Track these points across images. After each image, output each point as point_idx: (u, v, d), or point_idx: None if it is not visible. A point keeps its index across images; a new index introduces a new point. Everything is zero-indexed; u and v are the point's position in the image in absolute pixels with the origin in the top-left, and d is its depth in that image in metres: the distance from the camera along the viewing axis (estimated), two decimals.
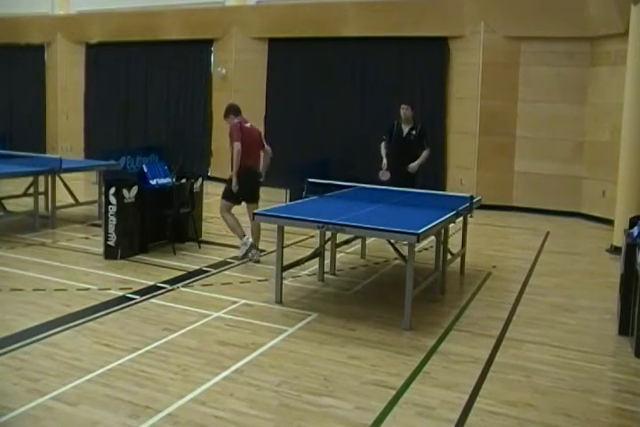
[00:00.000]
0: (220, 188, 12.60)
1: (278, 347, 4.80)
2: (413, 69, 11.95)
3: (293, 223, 5.66)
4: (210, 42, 13.99)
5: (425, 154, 8.29)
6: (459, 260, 7.01)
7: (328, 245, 6.78)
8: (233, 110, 7.68)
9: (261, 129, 13.43)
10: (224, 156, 13.78)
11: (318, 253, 6.55)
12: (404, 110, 8.26)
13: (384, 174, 8.19)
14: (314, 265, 6.74)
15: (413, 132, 8.25)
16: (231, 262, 7.22)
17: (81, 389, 4.01)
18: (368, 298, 6.14)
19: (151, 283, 6.31)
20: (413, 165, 8.20)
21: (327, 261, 6.78)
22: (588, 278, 7.11)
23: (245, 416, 3.74)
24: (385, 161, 8.30)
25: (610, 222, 8.80)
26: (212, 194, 11.29)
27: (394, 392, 4.10)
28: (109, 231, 7.16)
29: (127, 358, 4.49)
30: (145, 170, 7.68)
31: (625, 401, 4.12)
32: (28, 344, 4.69)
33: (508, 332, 5.29)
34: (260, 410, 3.81)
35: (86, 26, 15.34)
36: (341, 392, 4.08)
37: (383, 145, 8.44)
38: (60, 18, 15.81)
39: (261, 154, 7.47)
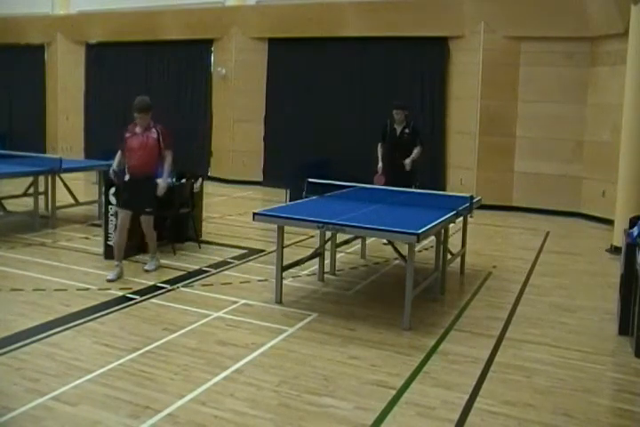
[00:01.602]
0: (221, 188, 12.79)
1: (278, 347, 4.80)
2: (413, 69, 11.95)
3: (293, 223, 5.66)
4: (210, 42, 14.00)
5: (417, 150, 8.26)
6: (459, 260, 7.01)
7: (328, 245, 6.78)
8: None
9: (261, 129, 13.62)
10: (224, 156, 13.88)
11: (318, 253, 6.55)
12: (398, 115, 8.26)
13: (379, 179, 8.16)
14: (314, 265, 6.74)
15: (406, 131, 8.29)
16: (231, 262, 7.22)
17: (81, 389, 4.01)
18: (368, 298, 6.14)
19: (151, 283, 6.31)
20: (407, 162, 8.17)
21: (327, 261, 6.78)
22: (588, 278, 7.11)
23: (245, 416, 3.74)
24: (380, 164, 8.30)
25: (610, 222, 8.80)
26: (212, 194, 11.32)
27: (394, 392, 4.10)
28: (109, 231, 7.16)
29: (127, 358, 4.49)
30: None
31: (625, 401, 4.12)
32: (28, 344, 4.69)
33: (508, 332, 5.29)
34: (260, 410, 3.82)
35: (86, 26, 15.34)
36: (341, 392, 4.08)
37: (379, 146, 8.46)
38: (60, 18, 15.81)
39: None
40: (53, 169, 8.70)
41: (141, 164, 6.45)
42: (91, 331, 5.02)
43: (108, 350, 4.64)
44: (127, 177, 6.46)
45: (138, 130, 6.50)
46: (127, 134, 6.53)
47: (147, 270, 6.70)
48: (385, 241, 7.80)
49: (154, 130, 6.52)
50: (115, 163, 6.68)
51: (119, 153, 6.65)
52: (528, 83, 10.94)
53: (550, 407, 3.97)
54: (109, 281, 6.27)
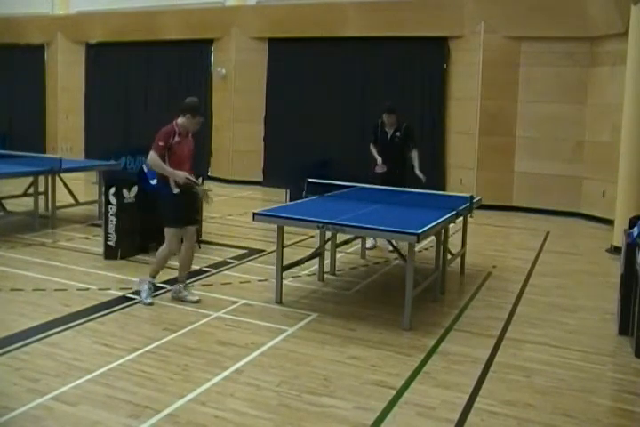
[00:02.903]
0: (221, 188, 12.78)
1: (278, 347, 4.80)
2: (413, 69, 11.96)
3: (293, 223, 5.65)
4: (210, 42, 14.00)
5: (415, 155, 7.87)
6: (459, 260, 7.01)
7: (328, 245, 6.78)
8: None
9: (261, 129, 13.61)
10: (224, 156, 13.89)
11: (318, 253, 6.55)
12: (389, 119, 7.83)
13: (381, 167, 7.86)
14: (314, 265, 6.73)
15: (398, 134, 7.87)
16: (231, 262, 7.22)
17: (81, 389, 4.01)
18: (368, 298, 6.14)
19: None
20: (419, 173, 7.73)
21: (327, 261, 6.78)
22: (588, 278, 7.11)
23: (245, 416, 3.74)
24: (379, 158, 7.88)
25: (610, 222, 8.80)
26: (212, 194, 11.28)
27: (394, 392, 4.10)
28: (109, 231, 7.16)
29: (127, 358, 4.49)
30: (145, 170, 7.67)
31: (625, 401, 4.12)
32: (28, 344, 4.69)
33: (508, 332, 5.29)
34: (260, 410, 3.81)
35: (86, 26, 15.35)
36: (341, 392, 4.08)
37: (372, 146, 8.06)
38: (60, 18, 15.81)
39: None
40: (53, 169, 8.70)
41: (190, 172, 5.73)
42: (91, 331, 5.01)
43: (107, 350, 4.64)
44: (177, 190, 5.57)
45: (184, 134, 5.69)
46: (177, 138, 5.59)
47: (193, 301, 5.71)
48: (383, 242, 7.77)
49: (190, 134, 5.84)
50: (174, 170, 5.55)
51: (158, 157, 5.51)
52: (528, 83, 10.94)
53: (550, 407, 3.97)
54: (196, 302, 5.67)
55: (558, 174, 10.80)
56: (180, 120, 5.68)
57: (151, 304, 5.65)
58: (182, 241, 5.80)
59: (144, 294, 5.71)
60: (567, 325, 5.52)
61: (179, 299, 5.77)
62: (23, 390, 3.97)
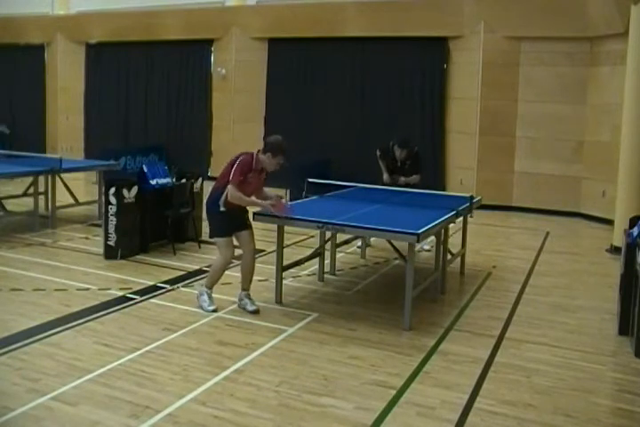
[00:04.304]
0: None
1: (278, 347, 4.80)
2: (413, 69, 11.96)
3: (293, 223, 5.65)
4: (210, 42, 14.00)
5: (414, 177, 7.81)
6: (459, 260, 7.01)
7: (328, 245, 6.78)
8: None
9: (262, 129, 13.59)
10: (224, 156, 13.85)
11: (318, 253, 6.55)
12: (399, 153, 7.75)
13: (389, 179, 7.88)
14: (314, 265, 6.73)
15: (408, 162, 7.84)
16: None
17: (81, 389, 4.01)
18: (368, 298, 6.14)
19: (151, 283, 6.31)
20: (403, 179, 7.73)
21: (327, 261, 6.78)
22: (588, 278, 7.11)
23: (245, 416, 3.74)
24: (387, 174, 7.86)
25: (610, 222, 8.80)
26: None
27: (394, 392, 4.09)
28: (109, 231, 7.16)
29: (127, 358, 4.49)
30: (145, 170, 7.68)
31: (625, 401, 4.12)
32: (28, 344, 4.69)
33: (508, 332, 5.29)
34: (260, 410, 3.81)
35: (86, 26, 15.35)
36: (341, 392, 4.08)
37: (380, 159, 7.95)
38: (60, 18, 15.82)
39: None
40: (53, 169, 8.70)
41: None
42: (91, 331, 5.01)
43: (108, 350, 4.64)
44: (223, 209, 5.55)
45: (259, 170, 5.59)
46: (250, 174, 5.51)
47: (250, 311, 5.55)
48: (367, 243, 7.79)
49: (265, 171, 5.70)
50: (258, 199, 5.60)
51: (238, 191, 5.40)
52: (528, 83, 10.94)
53: (550, 407, 3.97)
54: (253, 312, 5.53)
55: (558, 174, 10.80)
56: (261, 156, 5.56)
57: (215, 311, 5.50)
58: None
59: (205, 304, 5.56)
60: (567, 325, 5.52)
61: (241, 307, 5.61)
62: (23, 390, 3.97)
